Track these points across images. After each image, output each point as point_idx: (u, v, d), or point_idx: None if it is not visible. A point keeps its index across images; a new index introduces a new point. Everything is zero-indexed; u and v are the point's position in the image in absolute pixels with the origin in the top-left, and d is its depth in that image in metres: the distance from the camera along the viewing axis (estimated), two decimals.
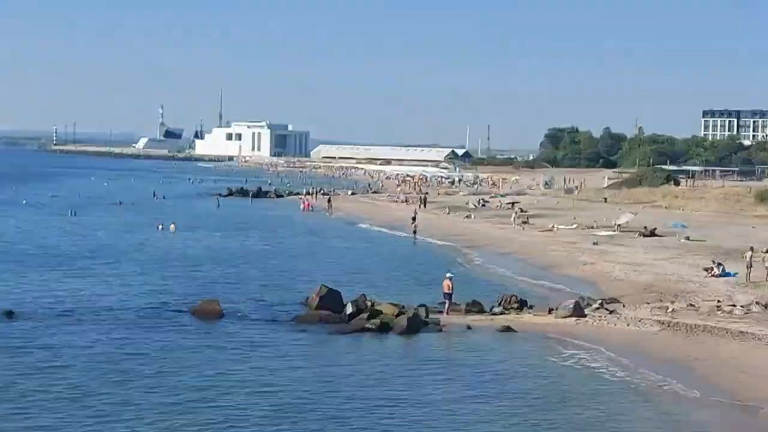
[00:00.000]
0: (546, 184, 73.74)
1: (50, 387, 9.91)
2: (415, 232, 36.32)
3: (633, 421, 9.50)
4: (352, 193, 68.42)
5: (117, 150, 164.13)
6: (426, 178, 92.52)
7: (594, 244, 30.20)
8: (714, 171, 75.55)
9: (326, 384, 10.93)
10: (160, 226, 36.24)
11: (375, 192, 71.80)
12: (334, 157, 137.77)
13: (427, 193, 62.10)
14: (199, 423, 8.74)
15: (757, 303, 16.97)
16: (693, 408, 9.93)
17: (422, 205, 48.39)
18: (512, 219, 38.65)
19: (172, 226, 36.15)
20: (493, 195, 61.79)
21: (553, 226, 36.48)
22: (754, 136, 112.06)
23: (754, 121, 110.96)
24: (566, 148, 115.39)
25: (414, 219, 38.65)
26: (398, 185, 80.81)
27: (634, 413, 9.93)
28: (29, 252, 27.40)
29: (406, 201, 54.65)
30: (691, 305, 17.38)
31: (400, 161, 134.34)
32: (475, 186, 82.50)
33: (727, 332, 14.18)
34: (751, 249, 21.70)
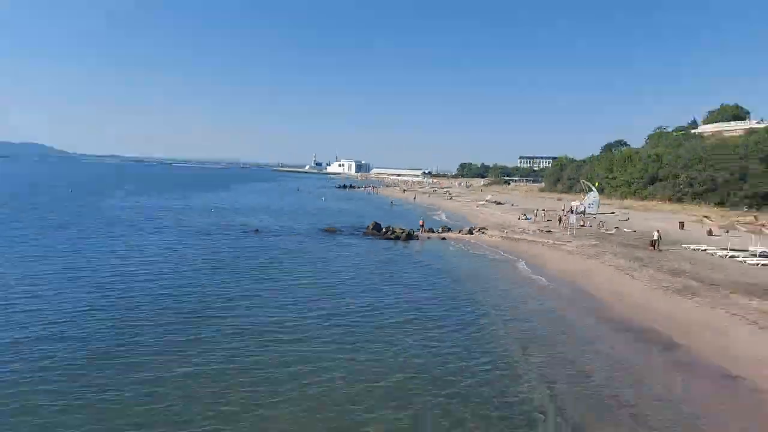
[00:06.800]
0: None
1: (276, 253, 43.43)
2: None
3: (489, 263, 38.83)
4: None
5: (298, 170, 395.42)
6: None
7: (477, 207, 72.13)
8: (522, 179, 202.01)
9: (375, 252, 40.77)
10: (323, 199, 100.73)
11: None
12: (381, 174, 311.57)
13: None
14: (325, 258, 39.81)
15: (537, 230, 49.30)
16: (508, 258, 40.92)
17: None
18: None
19: (323, 198, 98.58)
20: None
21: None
22: (542, 168, 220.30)
23: (536, 161, 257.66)
24: None
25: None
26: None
27: (489, 263, 38.80)
28: (268, 207, 76.89)
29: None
30: (513, 231, 49.83)
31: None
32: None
33: (524, 240, 45.71)
34: (537, 209, 61.48)
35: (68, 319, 20.07)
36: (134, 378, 15.07)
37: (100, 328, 19.20)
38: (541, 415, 13.74)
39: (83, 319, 20.16)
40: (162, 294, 24.44)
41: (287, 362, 16.69)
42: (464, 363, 17.33)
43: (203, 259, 33.68)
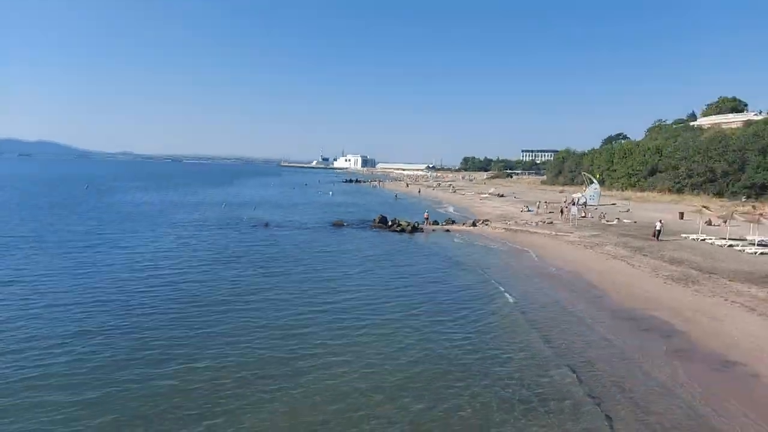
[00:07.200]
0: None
1: (287, 245, 41.35)
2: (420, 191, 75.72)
3: (494, 254, 39.26)
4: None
5: (304, 165, 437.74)
6: None
7: (481, 199, 70.78)
8: (524, 172, 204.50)
9: (382, 245, 40.74)
10: (331, 193, 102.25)
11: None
12: (387, 168, 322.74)
13: None
14: (334, 251, 41.66)
15: (539, 222, 49.29)
16: (511, 249, 40.93)
17: None
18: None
19: (331, 192, 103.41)
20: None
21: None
22: (543, 161, 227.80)
23: (537, 154, 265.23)
24: None
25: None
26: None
27: (493, 254, 38.88)
28: (276, 201, 75.12)
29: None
30: (516, 222, 49.93)
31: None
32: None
33: (527, 232, 45.84)
34: (539, 201, 60.99)
35: (82, 313, 20.22)
36: (150, 371, 15.19)
37: (115, 322, 19.34)
38: (568, 401, 13.79)
39: (98, 313, 20.29)
40: (175, 288, 24.56)
41: (300, 355, 16.75)
42: (480, 352, 17.37)
43: (216, 253, 33.80)
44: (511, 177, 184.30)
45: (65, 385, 13.96)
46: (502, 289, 26.14)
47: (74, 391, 13.63)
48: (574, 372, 15.77)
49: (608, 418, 13.00)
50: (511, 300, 24.16)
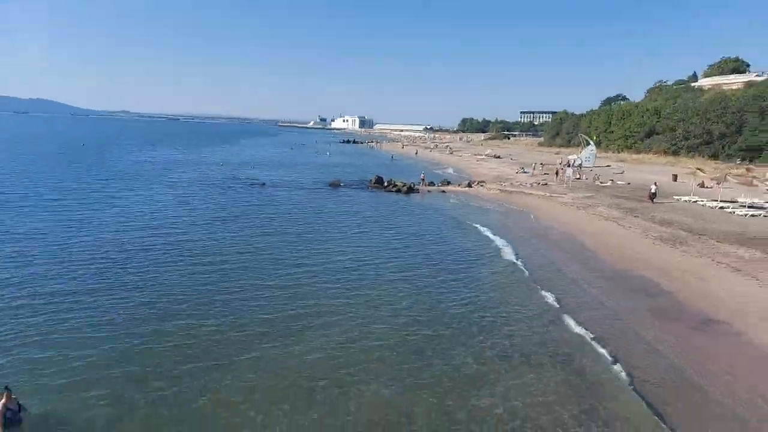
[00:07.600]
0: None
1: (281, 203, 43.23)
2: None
3: (489, 215, 41.95)
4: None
5: (302, 125, 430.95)
6: None
7: (477, 161, 70.91)
8: (522, 134, 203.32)
9: (379, 205, 41.23)
10: (328, 153, 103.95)
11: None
12: (384, 129, 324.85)
13: None
14: (331, 211, 43.26)
15: (534, 183, 49.58)
16: (506, 210, 42.37)
17: None
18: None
19: (328, 153, 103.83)
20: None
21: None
22: (542, 123, 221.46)
23: (536, 116, 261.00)
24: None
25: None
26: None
27: (489, 215, 40.18)
28: (273, 161, 74.14)
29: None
30: (511, 184, 50.32)
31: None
32: None
33: (522, 193, 46.30)
34: (535, 162, 60.75)
35: (85, 271, 20.47)
36: (151, 327, 15.54)
37: (116, 280, 19.60)
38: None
39: (100, 272, 20.53)
40: (175, 246, 24.76)
41: (298, 314, 17.08)
42: (481, 311, 17.77)
43: (214, 212, 33.95)
44: (509, 138, 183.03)
45: (71, 340, 14.27)
46: (499, 249, 26.46)
47: (81, 346, 13.96)
48: (568, 328, 16.19)
49: (601, 374, 13.44)
50: (508, 259, 24.50)
